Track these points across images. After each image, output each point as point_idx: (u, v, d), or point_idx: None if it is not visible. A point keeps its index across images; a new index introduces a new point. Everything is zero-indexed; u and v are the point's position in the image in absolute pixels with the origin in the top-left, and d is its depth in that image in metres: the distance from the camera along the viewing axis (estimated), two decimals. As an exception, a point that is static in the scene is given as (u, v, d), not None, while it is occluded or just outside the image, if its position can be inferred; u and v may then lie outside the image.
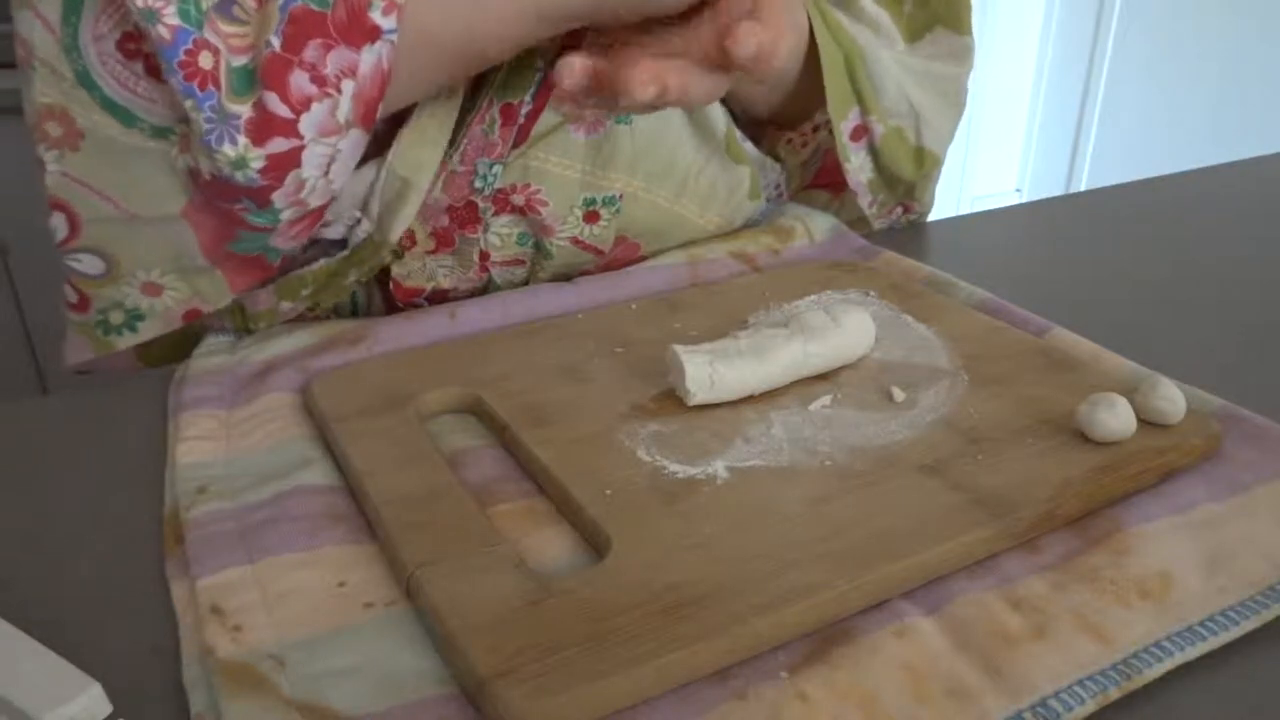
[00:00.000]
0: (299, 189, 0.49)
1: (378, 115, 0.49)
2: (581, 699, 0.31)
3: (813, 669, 0.33)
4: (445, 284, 0.61)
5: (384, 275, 0.61)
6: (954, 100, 0.70)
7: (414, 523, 0.39)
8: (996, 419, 0.45)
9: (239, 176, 0.47)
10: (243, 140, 0.47)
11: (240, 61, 0.47)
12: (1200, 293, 0.63)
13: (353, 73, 0.47)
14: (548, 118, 0.58)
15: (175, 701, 0.33)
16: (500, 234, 0.60)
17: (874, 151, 0.66)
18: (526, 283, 0.63)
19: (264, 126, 0.47)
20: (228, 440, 0.46)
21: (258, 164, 0.47)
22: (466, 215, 0.59)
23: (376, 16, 0.47)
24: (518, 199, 0.59)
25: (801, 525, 0.39)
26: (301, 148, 0.48)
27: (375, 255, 0.57)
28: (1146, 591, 0.36)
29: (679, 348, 0.47)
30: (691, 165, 0.63)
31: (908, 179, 0.68)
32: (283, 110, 0.47)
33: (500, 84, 0.56)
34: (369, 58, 0.47)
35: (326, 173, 0.50)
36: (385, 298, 0.62)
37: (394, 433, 0.45)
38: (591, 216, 0.61)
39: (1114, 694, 0.33)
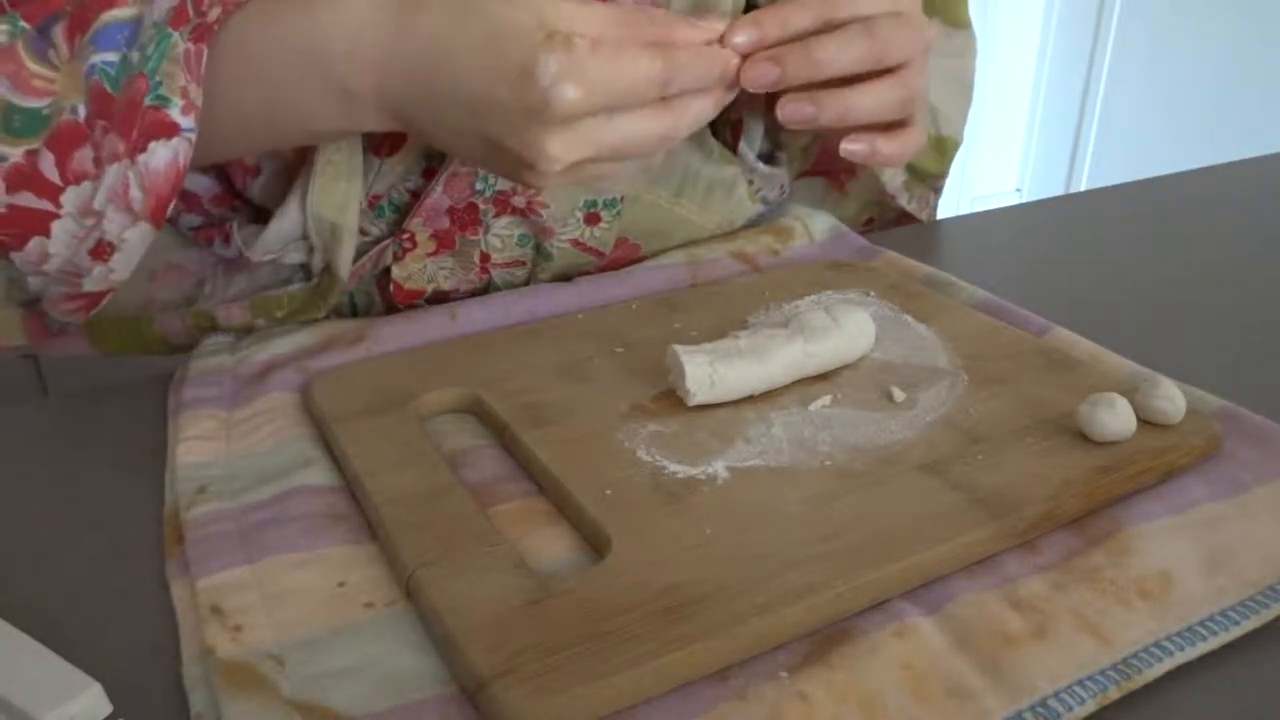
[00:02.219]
0: (42, 260, 0.47)
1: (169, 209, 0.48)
2: (581, 699, 0.31)
3: (813, 669, 0.33)
4: (446, 286, 0.61)
5: (384, 277, 0.61)
6: (964, 91, 0.71)
7: (414, 523, 0.39)
8: (996, 419, 0.45)
9: None
10: None
11: (35, 104, 0.45)
12: (1200, 293, 0.63)
13: (115, 159, 0.46)
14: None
15: (175, 701, 0.33)
16: (501, 236, 0.60)
17: None
18: (527, 284, 0.63)
19: (24, 178, 0.45)
20: (228, 440, 0.46)
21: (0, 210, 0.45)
22: (467, 217, 0.59)
23: (175, 114, 0.45)
24: (518, 201, 0.59)
25: (801, 525, 0.39)
26: (55, 216, 0.46)
27: (334, 291, 0.57)
28: (1146, 591, 0.36)
29: (679, 348, 0.47)
30: (689, 165, 0.63)
31: (934, 172, 0.70)
32: (53, 175, 0.45)
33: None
34: (164, 153, 0.46)
35: (106, 260, 0.48)
36: (385, 299, 0.62)
37: (394, 433, 0.45)
38: (592, 218, 0.61)
39: (1114, 694, 0.33)
